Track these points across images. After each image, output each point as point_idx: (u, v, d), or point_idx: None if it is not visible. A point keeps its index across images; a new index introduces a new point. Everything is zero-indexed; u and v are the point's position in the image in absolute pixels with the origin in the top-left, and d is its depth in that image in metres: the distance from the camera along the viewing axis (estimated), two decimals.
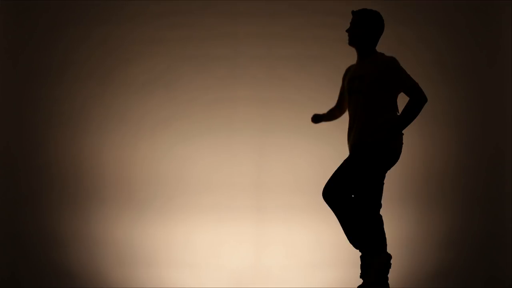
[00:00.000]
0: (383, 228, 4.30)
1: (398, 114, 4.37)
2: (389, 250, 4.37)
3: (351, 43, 4.44)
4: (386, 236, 4.36)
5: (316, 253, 5.79)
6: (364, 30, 4.38)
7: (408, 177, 4.96)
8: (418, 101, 4.30)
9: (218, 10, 5.93)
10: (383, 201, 4.35)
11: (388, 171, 4.33)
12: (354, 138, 4.37)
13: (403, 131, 4.34)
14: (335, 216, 4.31)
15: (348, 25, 4.43)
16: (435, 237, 5.83)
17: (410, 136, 4.54)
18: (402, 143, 4.38)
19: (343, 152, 4.68)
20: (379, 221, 4.31)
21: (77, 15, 5.89)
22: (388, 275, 4.30)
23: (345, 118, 4.69)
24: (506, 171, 5.90)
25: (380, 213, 4.33)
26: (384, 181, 4.33)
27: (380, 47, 5.64)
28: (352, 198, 4.32)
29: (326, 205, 4.39)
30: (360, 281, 4.35)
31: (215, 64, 5.92)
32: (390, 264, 4.29)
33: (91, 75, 5.92)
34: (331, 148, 5.78)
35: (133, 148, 5.90)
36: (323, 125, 5.76)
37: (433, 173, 5.88)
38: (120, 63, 5.93)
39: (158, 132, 5.90)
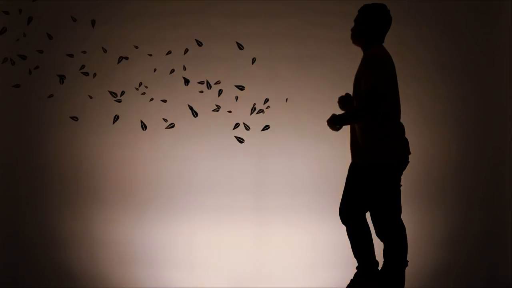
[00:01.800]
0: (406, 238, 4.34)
1: (393, 120, 4.32)
2: None
3: (353, 41, 4.34)
4: None
5: (316, 253, 5.78)
6: (363, 26, 4.27)
7: (408, 177, 4.94)
8: (361, 109, 4.12)
9: (218, 10, 5.93)
10: None
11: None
12: (357, 153, 4.33)
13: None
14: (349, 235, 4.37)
15: (348, 25, 4.42)
16: (435, 237, 5.83)
17: (410, 136, 4.53)
18: (405, 148, 4.34)
19: (342, 152, 4.69)
20: (402, 231, 4.34)
21: (77, 15, 5.88)
22: None
23: None
24: (506, 171, 5.90)
25: None
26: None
27: None
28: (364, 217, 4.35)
29: (326, 205, 4.41)
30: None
31: (215, 64, 5.92)
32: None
33: (91, 75, 5.92)
34: (330, 148, 5.78)
35: (133, 148, 5.90)
36: (323, 125, 5.76)
37: (433, 173, 5.87)
38: (120, 63, 5.92)
39: (158, 133, 5.89)
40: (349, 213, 4.32)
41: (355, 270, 4.44)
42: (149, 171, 5.88)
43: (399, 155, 4.28)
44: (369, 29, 4.26)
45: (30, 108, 5.92)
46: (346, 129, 4.52)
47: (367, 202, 4.33)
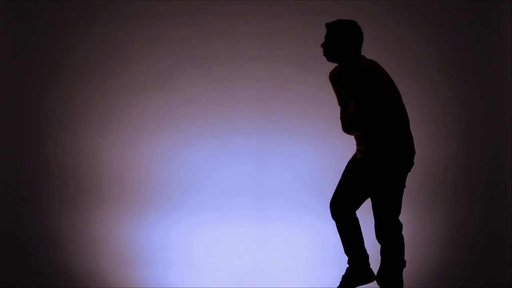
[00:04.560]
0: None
1: (400, 121, 4.28)
2: None
3: (330, 58, 4.24)
4: None
5: (316, 253, 5.79)
6: (340, 41, 4.18)
7: (408, 176, 4.94)
8: (369, 127, 4.14)
9: (218, 10, 5.93)
10: None
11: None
12: (366, 155, 4.27)
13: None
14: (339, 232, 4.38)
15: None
16: (435, 237, 5.83)
17: None
18: (413, 148, 4.34)
19: (342, 151, 4.69)
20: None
21: (77, 15, 5.89)
22: None
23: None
24: (506, 171, 5.90)
25: None
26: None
27: (380, 47, 5.64)
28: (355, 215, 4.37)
29: (326, 205, 4.40)
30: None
31: (215, 64, 5.92)
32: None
33: (91, 75, 5.93)
34: (330, 147, 5.78)
35: (133, 148, 5.90)
36: (323, 124, 5.78)
37: (433, 173, 5.87)
38: (120, 63, 5.93)
39: (158, 132, 5.90)
40: (343, 209, 4.31)
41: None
42: (148, 170, 5.89)
43: (412, 155, 4.30)
44: (348, 45, 4.20)
45: (30, 108, 5.92)
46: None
47: (363, 200, 4.34)
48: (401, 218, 4.36)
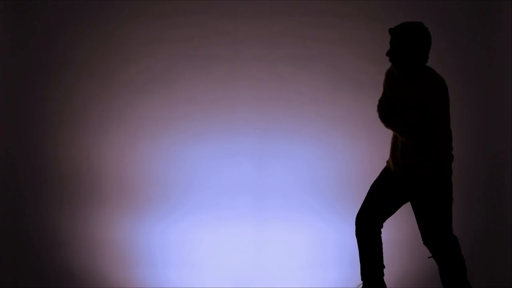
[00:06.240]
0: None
1: (447, 142, 4.10)
2: (389, 250, 4.35)
3: (399, 68, 3.88)
4: (387, 236, 4.34)
5: (316, 253, 5.79)
6: (408, 48, 3.84)
7: None
8: (414, 134, 3.85)
9: (218, 10, 5.93)
10: None
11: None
12: (405, 168, 4.03)
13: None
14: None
15: (348, 25, 4.39)
16: None
17: None
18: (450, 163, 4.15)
19: (342, 151, 4.68)
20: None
21: (77, 15, 5.89)
22: (386, 275, 4.31)
23: (345, 118, 4.68)
24: (506, 171, 5.90)
25: None
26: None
27: (381, 47, 5.62)
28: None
29: (326, 205, 4.40)
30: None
31: (215, 64, 5.92)
32: None
33: (91, 76, 5.93)
34: (331, 147, 5.78)
35: (133, 148, 5.90)
36: (323, 124, 5.78)
37: None
38: (120, 63, 5.93)
39: (158, 132, 5.90)
40: (370, 226, 4.11)
41: (355, 269, 4.42)
42: (148, 170, 5.89)
43: (450, 166, 4.12)
44: (415, 52, 3.87)
45: (30, 108, 5.92)
46: (343, 124, 4.51)
47: (389, 216, 4.19)
48: (401, 218, 4.36)
